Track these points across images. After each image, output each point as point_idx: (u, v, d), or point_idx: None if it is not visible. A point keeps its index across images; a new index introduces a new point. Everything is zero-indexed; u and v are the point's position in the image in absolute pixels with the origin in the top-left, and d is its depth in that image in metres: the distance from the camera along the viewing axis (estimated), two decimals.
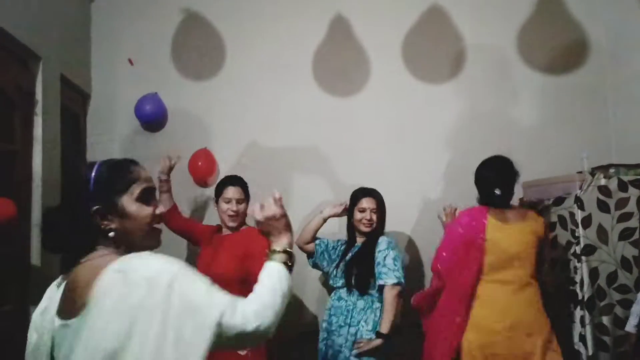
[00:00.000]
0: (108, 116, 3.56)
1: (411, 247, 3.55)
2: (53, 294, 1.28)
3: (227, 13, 3.62)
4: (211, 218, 3.36)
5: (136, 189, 1.31)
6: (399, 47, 3.62)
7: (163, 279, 1.13)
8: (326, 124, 3.57)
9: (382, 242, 2.87)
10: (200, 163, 3.43)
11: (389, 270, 2.78)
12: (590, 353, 2.66)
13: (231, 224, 2.79)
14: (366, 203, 2.93)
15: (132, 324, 1.09)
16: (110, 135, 3.55)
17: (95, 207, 1.25)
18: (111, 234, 1.27)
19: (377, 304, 2.80)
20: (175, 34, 3.61)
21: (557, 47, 3.66)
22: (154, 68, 3.59)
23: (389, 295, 2.73)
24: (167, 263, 1.18)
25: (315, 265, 3.14)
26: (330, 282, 2.99)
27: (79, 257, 1.26)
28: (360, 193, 2.97)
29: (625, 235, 2.76)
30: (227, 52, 3.62)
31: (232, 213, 2.78)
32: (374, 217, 2.92)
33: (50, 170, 2.80)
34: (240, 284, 2.57)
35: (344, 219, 3.07)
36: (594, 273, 2.74)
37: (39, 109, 2.74)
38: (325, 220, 3.05)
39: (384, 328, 2.70)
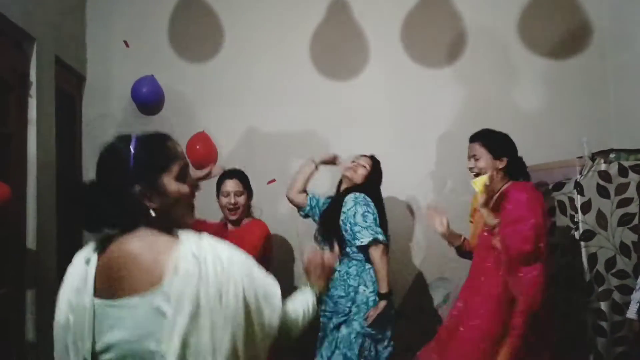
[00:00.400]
0: (103, 98, 3.52)
1: (409, 232, 3.53)
2: (82, 272, 1.22)
3: None
4: (212, 206, 3.31)
5: (175, 168, 1.26)
6: (398, 30, 3.57)
7: (237, 264, 1.23)
8: (324, 107, 3.53)
9: (348, 200, 2.79)
10: (198, 146, 3.38)
11: (362, 229, 2.70)
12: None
13: (231, 218, 2.80)
14: (363, 160, 2.93)
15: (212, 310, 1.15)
16: (106, 118, 3.51)
17: (138, 188, 1.21)
18: (152, 213, 1.22)
19: (368, 265, 2.76)
20: (172, 16, 3.56)
21: (559, 30, 3.62)
22: (150, 50, 3.55)
23: (375, 254, 2.70)
24: (237, 250, 1.27)
25: (306, 217, 3.05)
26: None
27: (118, 235, 1.23)
28: (361, 155, 2.99)
29: (624, 220, 2.74)
30: (225, 34, 3.57)
31: (230, 206, 2.78)
32: (362, 171, 2.88)
33: (45, 152, 2.77)
34: None
35: (337, 176, 3.03)
36: (592, 258, 2.73)
37: (33, 91, 2.70)
38: (317, 167, 2.98)
39: (383, 288, 2.71)
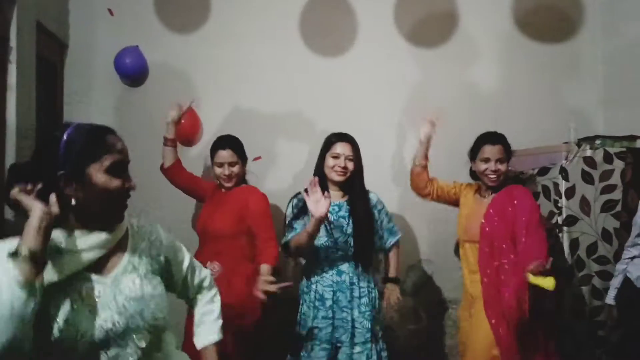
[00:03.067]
0: (86, 68, 3.42)
1: (393, 212, 3.51)
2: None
3: None
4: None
5: (107, 160, 1.27)
6: (390, 7, 3.52)
7: None
8: (312, 84, 3.48)
9: (377, 201, 2.68)
10: (183, 121, 3.32)
11: (394, 226, 2.77)
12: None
13: (227, 185, 2.79)
14: (340, 148, 2.58)
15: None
16: (88, 88, 3.42)
17: (60, 172, 1.21)
18: (73, 201, 1.23)
19: (371, 278, 2.63)
20: None
21: (551, 14, 3.59)
22: (135, 19, 3.44)
23: (397, 250, 2.78)
24: None
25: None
26: (324, 254, 2.57)
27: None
28: (334, 137, 2.63)
29: (607, 207, 2.77)
30: (212, 4, 3.48)
31: (224, 177, 2.76)
32: (350, 165, 2.58)
33: (25, 119, 2.68)
34: (235, 239, 2.68)
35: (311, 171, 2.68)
36: (574, 244, 2.76)
37: (13, 56, 2.60)
38: (312, 237, 2.45)
39: (396, 273, 2.75)
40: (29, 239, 1.15)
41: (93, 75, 3.42)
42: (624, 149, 2.81)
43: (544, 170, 2.90)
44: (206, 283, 1.67)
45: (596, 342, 2.74)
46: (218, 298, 1.70)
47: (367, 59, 3.51)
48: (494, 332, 2.44)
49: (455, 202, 2.82)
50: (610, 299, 2.61)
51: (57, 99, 3.35)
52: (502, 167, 2.60)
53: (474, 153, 2.70)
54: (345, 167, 2.56)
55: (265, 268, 2.52)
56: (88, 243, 1.28)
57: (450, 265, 3.48)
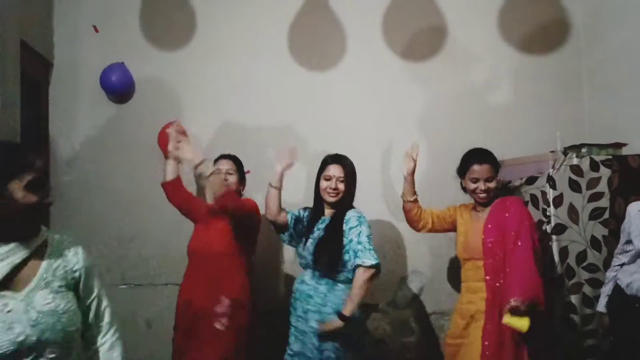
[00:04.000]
0: (72, 85, 3.41)
1: (384, 226, 3.51)
2: None
3: None
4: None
5: (27, 177, 1.36)
6: (379, 21, 3.53)
7: None
8: (300, 98, 3.49)
9: (352, 217, 2.60)
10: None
11: (365, 250, 2.51)
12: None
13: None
14: (333, 170, 2.66)
15: None
16: (74, 105, 3.40)
17: None
18: None
19: (340, 285, 2.58)
20: (143, 0, 3.45)
21: (536, 27, 3.63)
22: (120, 36, 3.44)
23: (363, 276, 2.48)
24: None
25: (291, 240, 2.81)
26: (299, 261, 2.76)
27: None
28: (329, 159, 2.72)
29: (595, 214, 2.78)
30: (198, 21, 3.49)
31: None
32: (341, 186, 2.65)
33: (9, 138, 2.66)
34: (232, 257, 2.69)
35: (312, 188, 2.79)
36: (563, 252, 2.76)
37: None
38: (278, 188, 2.70)
39: (348, 310, 2.47)
40: None
41: (79, 93, 3.41)
42: (610, 157, 2.83)
43: (531, 180, 2.91)
44: (107, 320, 1.58)
45: (587, 351, 2.72)
46: (119, 346, 1.59)
47: (356, 72, 3.52)
48: (482, 352, 2.42)
49: (453, 227, 2.80)
50: (601, 306, 2.60)
51: (43, 118, 3.33)
52: (491, 184, 2.62)
53: (462, 171, 2.70)
54: (336, 189, 2.66)
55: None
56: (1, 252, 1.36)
57: (442, 277, 3.48)
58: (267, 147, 3.44)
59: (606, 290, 2.59)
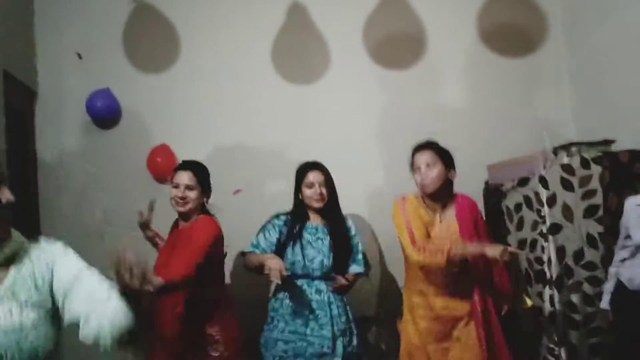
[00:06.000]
0: (57, 113, 3.38)
1: (376, 236, 3.49)
2: None
3: (179, 1, 3.49)
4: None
5: None
6: (360, 33, 3.56)
7: None
8: (287, 114, 3.49)
9: (352, 226, 2.82)
10: (159, 159, 3.30)
11: (361, 258, 2.79)
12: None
13: (178, 209, 2.56)
14: (313, 177, 2.72)
15: None
16: (60, 134, 3.37)
17: None
18: None
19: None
20: (126, 25, 3.45)
21: (517, 30, 3.67)
22: (104, 61, 3.43)
23: (353, 279, 2.77)
24: None
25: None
26: (301, 270, 2.64)
27: None
28: (307, 167, 2.76)
29: (589, 212, 2.78)
30: (181, 43, 3.48)
31: (177, 199, 2.54)
32: (324, 191, 2.72)
33: None
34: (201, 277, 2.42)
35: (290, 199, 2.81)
36: (560, 251, 2.75)
37: None
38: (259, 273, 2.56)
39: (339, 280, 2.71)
40: None
41: (64, 120, 3.39)
42: (600, 154, 2.84)
43: (523, 181, 2.91)
44: (106, 287, 1.34)
45: (591, 350, 2.71)
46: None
47: (339, 84, 3.53)
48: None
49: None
50: (605, 303, 2.59)
51: (30, 148, 3.29)
52: (431, 173, 2.43)
53: (412, 168, 2.55)
54: (321, 194, 2.71)
55: (156, 280, 2.18)
56: None
57: None
58: (255, 165, 3.43)
59: (609, 287, 2.58)
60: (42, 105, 3.39)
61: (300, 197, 2.76)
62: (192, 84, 3.45)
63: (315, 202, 2.72)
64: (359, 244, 2.81)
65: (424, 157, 2.47)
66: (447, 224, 2.48)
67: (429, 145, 2.52)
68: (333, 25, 3.55)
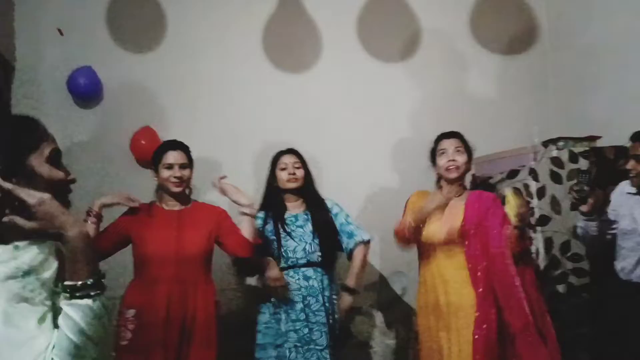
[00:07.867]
0: (36, 90, 3.22)
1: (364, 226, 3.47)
2: None
3: None
4: None
5: (46, 149, 1.13)
6: (353, 23, 3.54)
7: None
8: (276, 99, 3.44)
9: (333, 206, 2.79)
10: (143, 142, 3.19)
11: (356, 228, 2.75)
12: None
13: (175, 190, 2.47)
14: (286, 159, 2.75)
15: None
16: (37, 111, 3.21)
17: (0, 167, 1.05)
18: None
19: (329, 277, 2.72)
20: (110, 2, 3.32)
21: (506, 29, 3.75)
22: (86, 38, 3.30)
23: (363, 252, 2.72)
24: None
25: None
26: (286, 263, 2.66)
27: None
28: (280, 153, 2.79)
29: (576, 205, 2.82)
30: (168, 22, 3.38)
31: (174, 180, 2.45)
32: (299, 172, 2.72)
33: None
34: (208, 261, 2.51)
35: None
36: (548, 243, 2.79)
37: None
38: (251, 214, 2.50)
39: (355, 283, 2.70)
40: None
41: (43, 97, 3.23)
42: (587, 149, 2.90)
43: (513, 173, 2.95)
44: None
45: (576, 340, 2.75)
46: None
47: (330, 74, 3.50)
48: (473, 347, 2.32)
49: None
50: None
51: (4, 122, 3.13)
52: (460, 158, 2.47)
53: (433, 155, 2.59)
54: (294, 174, 2.72)
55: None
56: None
57: None
58: (240, 149, 3.36)
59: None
60: (20, 81, 3.21)
61: (275, 183, 2.76)
62: (177, 64, 3.35)
63: (289, 182, 2.72)
64: (349, 217, 2.79)
65: (453, 142, 2.53)
66: (455, 211, 2.47)
67: (457, 134, 2.58)
68: (326, 12, 3.52)
